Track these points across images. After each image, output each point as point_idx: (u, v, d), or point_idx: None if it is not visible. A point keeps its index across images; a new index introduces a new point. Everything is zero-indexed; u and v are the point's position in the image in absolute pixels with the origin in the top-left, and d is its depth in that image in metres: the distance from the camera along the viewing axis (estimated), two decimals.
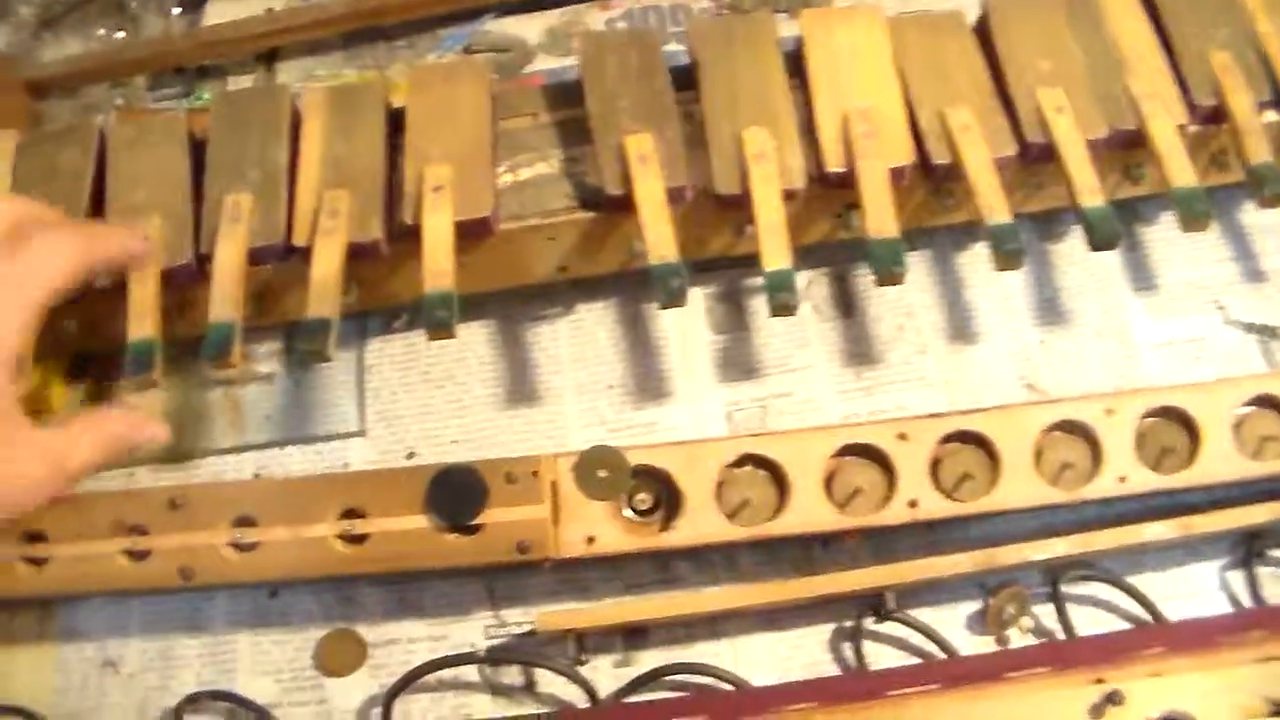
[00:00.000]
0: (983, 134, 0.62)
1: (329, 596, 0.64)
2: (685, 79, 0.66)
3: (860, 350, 0.69)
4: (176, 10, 0.84)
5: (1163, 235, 0.71)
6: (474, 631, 0.63)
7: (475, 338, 0.70)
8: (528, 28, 0.84)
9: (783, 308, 0.59)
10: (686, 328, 0.70)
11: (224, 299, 0.59)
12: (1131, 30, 0.67)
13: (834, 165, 0.62)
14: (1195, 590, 0.61)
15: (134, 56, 0.79)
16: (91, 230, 0.60)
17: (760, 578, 0.63)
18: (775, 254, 0.59)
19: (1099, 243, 0.60)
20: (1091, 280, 0.70)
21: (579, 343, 0.70)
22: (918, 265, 0.71)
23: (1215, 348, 0.68)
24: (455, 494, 0.58)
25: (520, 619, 0.63)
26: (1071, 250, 0.71)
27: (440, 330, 0.58)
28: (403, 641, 0.63)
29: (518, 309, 0.71)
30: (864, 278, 0.71)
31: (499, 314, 0.71)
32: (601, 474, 0.59)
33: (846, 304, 0.70)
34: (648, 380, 0.69)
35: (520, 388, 0.69)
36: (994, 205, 0.60)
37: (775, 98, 0.64)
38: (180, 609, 0.64)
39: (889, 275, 0.59)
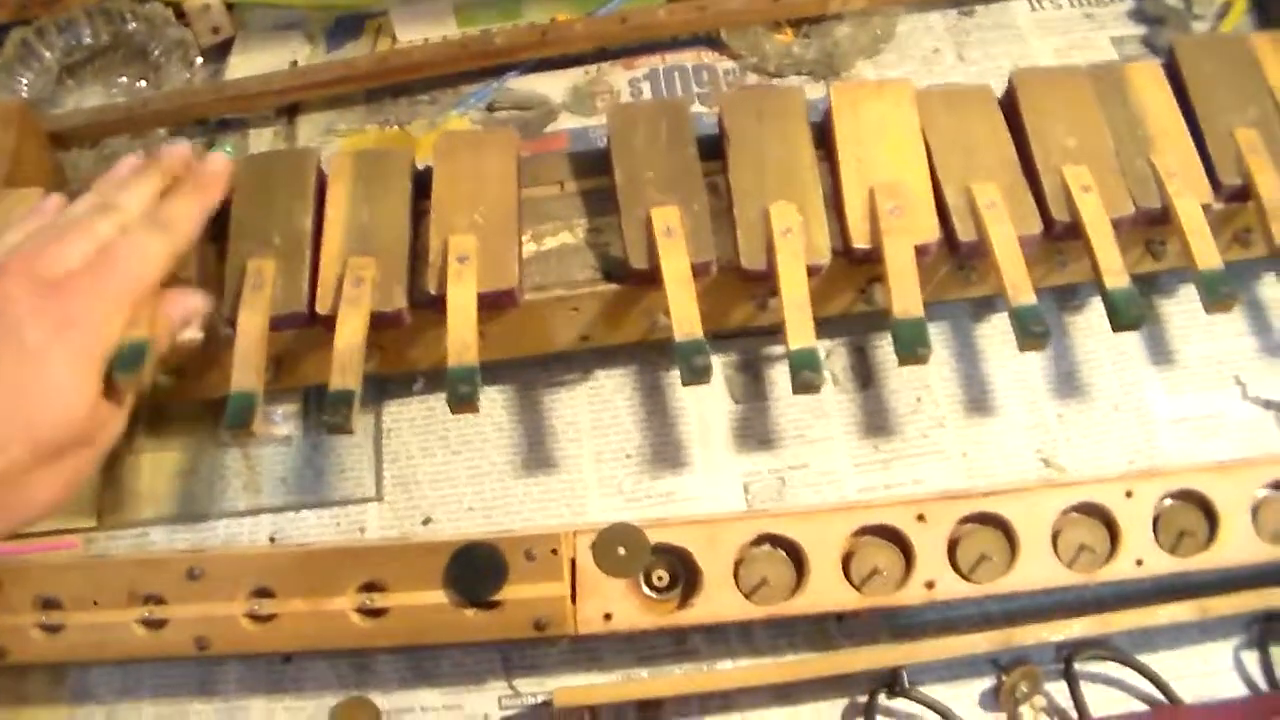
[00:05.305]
0: (1009, 211, 0.62)
1: (343, 663, 0.64)
2: (711, 148, 0.66)
3: (878, 423, 0.68)
4: (199, 60, 0.84)
5: (1182, 309, 0.71)
6: (488, 702, 0.62)
7: (493, 404, 0.70)
8: (551, 86, 0.83)
9: (807, 386, 0.58)
10: (705, 397, 0.69)
11: (246, 367, 0.59)
12: (1158, 107, 0.66)
13: (860, 242, 0.62)
14: (1209, 670, 0.61)
15: (157, 109, 0.79)
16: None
17: (775, 651, 0.63)
18: (800, 333, 0.59)
19: (1123, 325, 0.59)
20: (1110, 354, 0.70)
21: (597, 410, 0.70)
22: (935, 337, 0.69)
23: (1233, 423, 0.68)
24: (475, 570, 0.58)
25: (535, 689, 0.63)
26: (1089, 322, 0.71)
27: (464, 405, 0.57)
28: (417, 710, 0.63)
29: (536, 375, 0.71)
30: (882, 349, 0.71)
31: (517, 380, 0.71)
32: (620, 551, 0.59)
33: (865, 376, 0.70)
34: (666, 449, 0.68)
35: (538, 455, 0.68)
36: (1019, 286, 0.59)
37: (802, 172, 0.64)
38: (193, 673, 0.64)
39: (914, 357, 0.59)
